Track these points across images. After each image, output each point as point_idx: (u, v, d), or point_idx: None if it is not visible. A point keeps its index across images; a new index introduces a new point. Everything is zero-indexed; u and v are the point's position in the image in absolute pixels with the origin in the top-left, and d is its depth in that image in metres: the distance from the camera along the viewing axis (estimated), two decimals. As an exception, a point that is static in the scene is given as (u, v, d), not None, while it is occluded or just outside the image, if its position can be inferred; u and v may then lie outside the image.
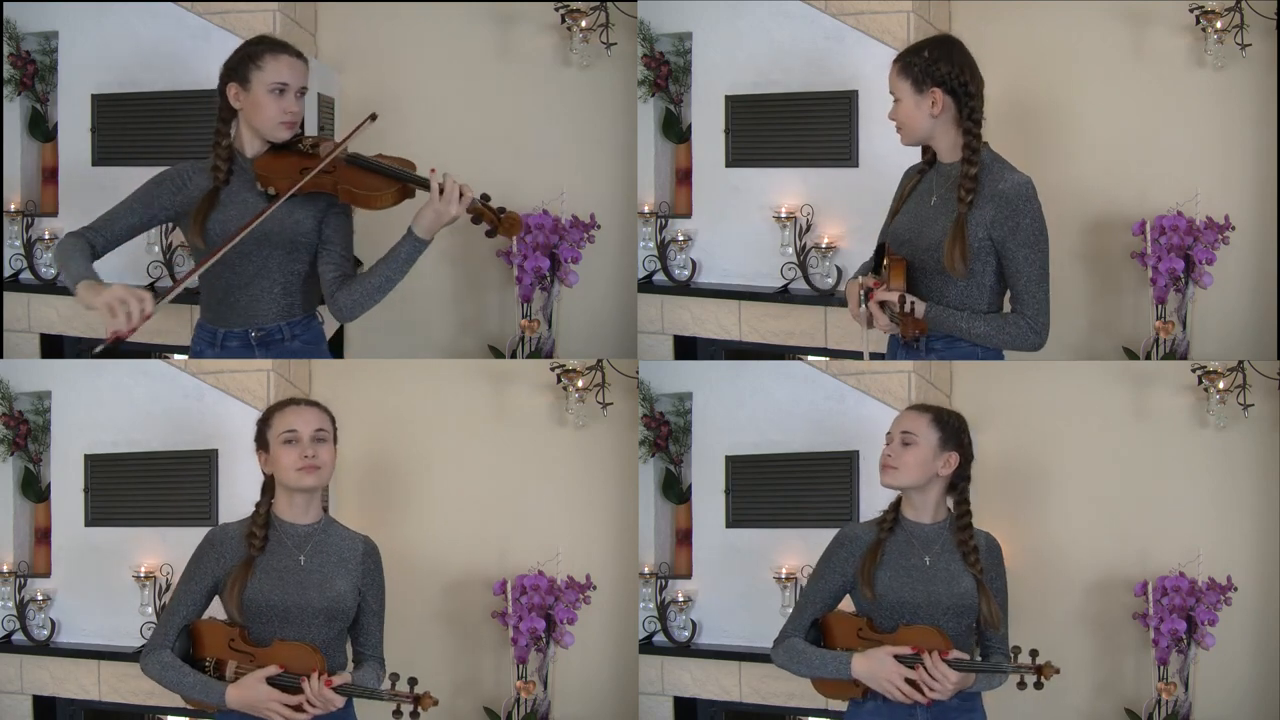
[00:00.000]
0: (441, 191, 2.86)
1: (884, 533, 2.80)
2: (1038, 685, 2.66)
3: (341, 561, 2.79)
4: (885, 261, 2.88)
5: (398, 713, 2.61)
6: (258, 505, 2.80)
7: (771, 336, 3.84)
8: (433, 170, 2.90)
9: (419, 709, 2.61)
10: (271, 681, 2.64)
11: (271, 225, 2.88)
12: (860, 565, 2.78)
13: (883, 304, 2.80)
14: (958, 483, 2.80)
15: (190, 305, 3.76)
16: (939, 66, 2.78)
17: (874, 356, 2.99)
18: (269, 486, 2.80)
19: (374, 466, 3.66)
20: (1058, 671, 2.65)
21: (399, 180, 2.90)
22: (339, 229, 2.99)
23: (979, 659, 2.80)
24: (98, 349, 2.81)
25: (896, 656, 2.67)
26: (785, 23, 3.78)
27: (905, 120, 2.82)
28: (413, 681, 2.63)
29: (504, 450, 3.66)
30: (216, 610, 2.80)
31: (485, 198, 2.95)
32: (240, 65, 2.91)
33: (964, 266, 2.76)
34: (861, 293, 2.85)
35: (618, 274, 3.75)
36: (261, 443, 2.79)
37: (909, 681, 2.67)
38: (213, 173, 2.93)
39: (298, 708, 2.62)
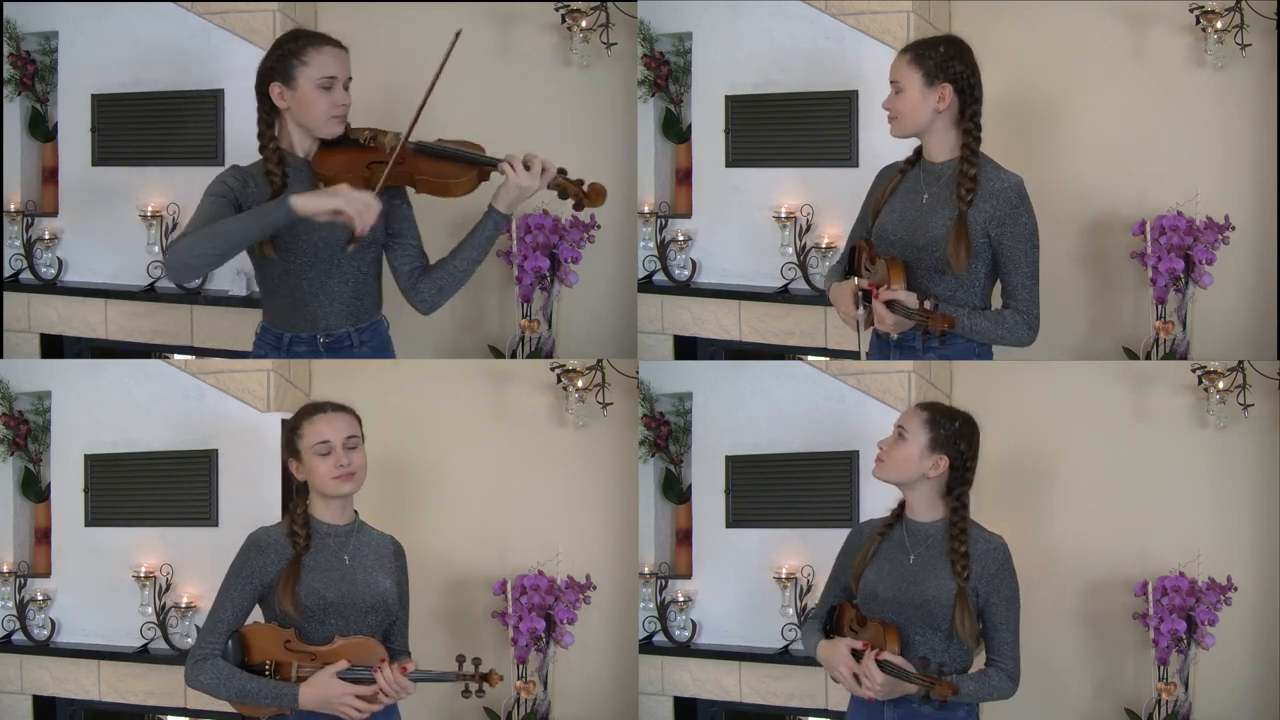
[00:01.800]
0: (527, 167, 2.84)
1: (884, 528, 2.84)
2: (938, 704, 2.67)
3: (379, 560, 2.83)
4: (869, 261, 2.89)
5: (466, 692, 2.72)
6: (293, 506, 2.80)
7: (771, 336, 3.84)
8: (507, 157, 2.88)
9: (485, 686, 2.72)
10: (342, 676, 2.68)
11: (338, 228, 2.79)
12: (859, 558, 2.84)
13: (889, 303, 2.79)
14: (954, 487, 2.80)
15: (190, 305, 3.77)
16: (953, 64, 2.81)
17: (869, 356, 2.99)
18: (303, 489, 2.81)
19: (373, 467, 3.62)
20: (955, 691, 2.65)
21: (476, 164, 2.86)
22: (406, 220, 2.94)
23: (979, 669, 2.80)
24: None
25: (853, 650, 2.73)
26: (785, 23, 3.78)
27: (906, 110, 2.83)
28: (477, 661, 2.73)
29: (504, 450, 3.66)
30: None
31: (563, 171, 2.93)
32: (283, 63, 2.83)
33: (967, 263, 2.79)
34: (859, 294, 2.85)
35: (618, 274, 3.75)
36: (292, 450, 2.79)
37: (855, 675, 2.72)
38: (268, 178, 2.83)
39: (369, 698, 2.67)
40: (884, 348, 2.96)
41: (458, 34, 2.82)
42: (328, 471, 2.75)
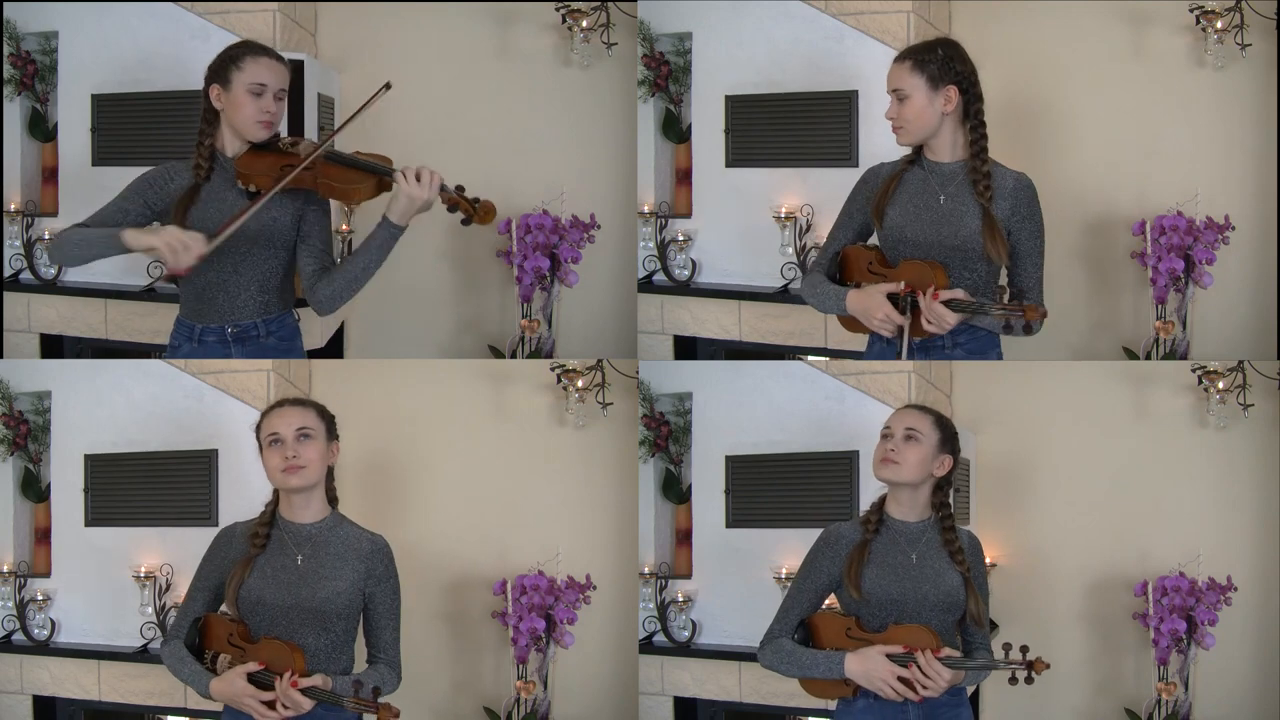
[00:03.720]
0: (418, 178, 2.91)
1: (870, 532, 2.81)
2: (1028, 680, 2.66)
3: (341, 562, 2.80)
4: (878, 264, 2.87)
5: None
6: (266, 505, 2.84)
7: (771, 336, 3.84)
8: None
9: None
10: (252, 678, 2.69)
11: (250, 222, 2.94)
12: (847, 565, 2.79)
13: (948, 303, 2.77)
14: (943, 485, 2.81)
15: (190, 305, 3.77)
16: (955, 64, 2.81)
17: (863, 357, 2.98)
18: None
19: (374, 466, 3.66)
20: (1048, 666, 2.64)
21: (375, 173, 2.96)
22: (317, 224, 3.04)
23: (971, 655, 2.80)
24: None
25: (890, 655, 2.68)
26: (785, 23, 3.78)
27: (914, 118, 2.82)
28: (376, 691, 2.68)
29: (504, 450, 3.66)
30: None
31: (460, 188, 2.98)
32: (221, 67, 2.97)
33: (1005, 257, 2.82)
34: (905, 299, 2.81)
35: (618, 274, 3.75)
36: (258, 446, 2.83)
37: (902, 680, 2.67)
38: (194, 170, 2.98)
39: (272, 705, 2.67)
40: (915, 348, 2.91)
41: (386, 86, 2.98)
42: (276, 464, 2.77)
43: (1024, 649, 2.66)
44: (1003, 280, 2.89)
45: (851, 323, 2.91)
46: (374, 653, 2.85)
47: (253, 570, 2.77)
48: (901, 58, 2.83)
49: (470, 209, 2.95)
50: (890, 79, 2.83)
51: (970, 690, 2.84)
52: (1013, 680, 2.67)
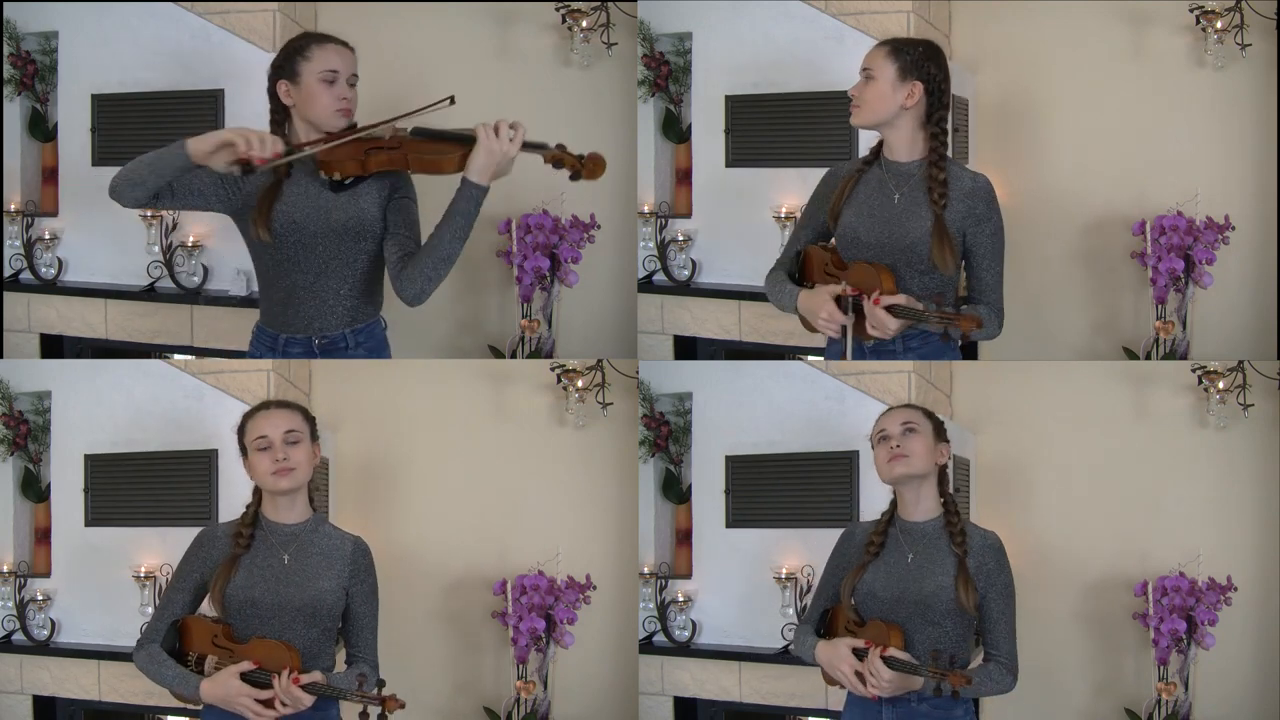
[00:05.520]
0: (497, 132, 2.80)
1: (875, 539, 2.84)
2: (954, 695, 2.62)
3: (327, 561, 2.80)
4: (833, 266, 2.89)
5: (364, 714, 2.61)
6: (247, 505, 2.84)
7: (771, 336, 3.84)
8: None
9: (385, 711, 2.61)
10: (245, 677, 2.68)
11: (336, 214, 2.86)
12: (853, 563, 2.85)
13: (890, 308, 2.78)
14: (944, 478, 2.85)
15: (189, 305, 3.77)
16: (928, 65, 2.83)
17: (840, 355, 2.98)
18: (258, 489, 2.83)
19: (374, 466, 3.66)
20: (969, 682, 2.60)
21: (461, 141, 2.84)
22: (403, 212, 2.93)
23: (978, 664, 2.80)
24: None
25: (854, 649, 2.73)
26: (785, 23, 3.78)
27: (872, 100, 2.84)
28: (380, 683, 2.66)
29: (504, 450, 3.66)
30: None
31: (561, 146, 2.89)
32: (287, 61, 2.89)
33: (953, 264, 2.81)
34: (847, 300, 2.83)
35: (618, 274, 3.75)
36: (241, 448, 2.82)
37: (858, 674, 2.71)
38: (274, 172, 2.88)
39: (268, 704, 2.66)
40: (858, 350, 2.94)
41: (450, 100, 2.89)
42: (266, 467, 2.76)
43: (952, 659, 2.66)
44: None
45: (807, 323, 2.95)
46: (354, 652, 2.85)
47: (238, 570, 2.76)
48: (883, 42, 2.88)
49: (577, 164, 2.86)
50: (865, 58, 2.87)
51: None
52: (937, 691, 2.64)
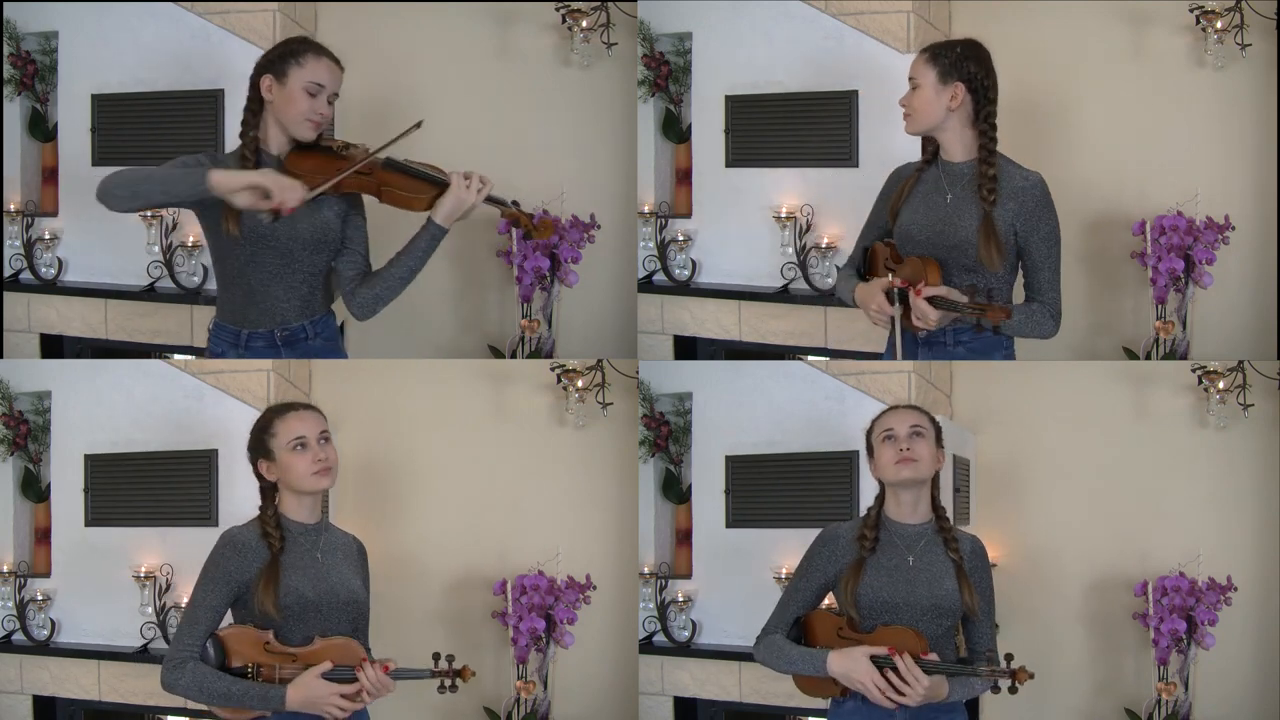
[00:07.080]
0: (467, 180, 2.93)
1: (866, 550, 2.78)
2: (1012, 689, 2.62)
3: (348, 558, 2.82)
4: (891, 261, 2.92)
5: (442, 688, 2.75)
6: (264, 508, 2.78)
7: (771, 336, 3.84)
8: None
9: (459, 681, 2.76)
10: (327, 677, 2.67)
11: (302, 222, 2.90)
12: (844, 580, 2.77)
13: (932, 300, 2.80)
14: (936, 482, 2.84)
15: (189, 305, 3.77)
16: (967, 64, 2.86)
17: (875, 357, 3.00)
18: (271, 490, 2.79)
19: (374, 466, 3.66)
20: (1031, 676, 2.59)
21: (435, 185, 2.96)
22: (359, 229, 3.03)
23: (960, 661, 2.78)
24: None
25: (872, 657, 2.66)
26: (785, 23, 3.78)
27: (920, 107, 2.88)
28: (450, 658, 2.76)
29: (504, 450, 3.66)
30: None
31: (515, 203, 3.04)
32: (280, 60, 2.92)
33: (1000, 261, 2.84)
34: (894, 292, 2.85)
35: (618, 274, 3.75)
36: (262, 451, 2.77)
37: (879, 688, 2.65)
38: (241, 164, 2.91)
39: (351, 697, 2.67)
40: (910, 346, 2.96)
41: (417, 125, 2.96)
42: (306, 468, 2.74)
43: (1009, 657, 2.63)
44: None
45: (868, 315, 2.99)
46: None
47: (283, 571, 2.71)
48: (924, 50, 2.91)
49: (530, 224, 3.04)
50: (910, 67, 2.92)
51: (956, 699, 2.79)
52: (995, 689, 2.65)
